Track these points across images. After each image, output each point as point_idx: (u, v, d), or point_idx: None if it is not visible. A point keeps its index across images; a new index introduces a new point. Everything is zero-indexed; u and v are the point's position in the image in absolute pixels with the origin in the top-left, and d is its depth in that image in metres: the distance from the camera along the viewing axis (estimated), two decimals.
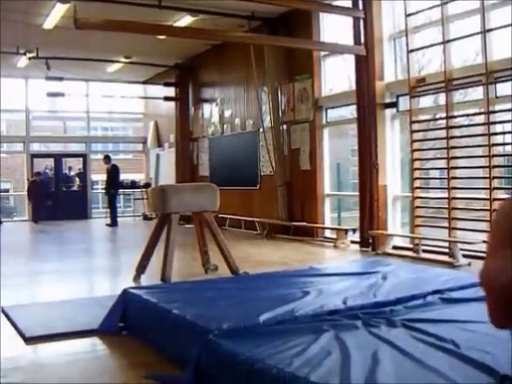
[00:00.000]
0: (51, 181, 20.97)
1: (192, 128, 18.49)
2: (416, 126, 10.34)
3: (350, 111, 12.24)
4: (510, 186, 9.38)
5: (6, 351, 4.77)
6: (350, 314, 4.53)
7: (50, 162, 21.60)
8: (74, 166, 22.61)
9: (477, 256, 9.19)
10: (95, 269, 9.92)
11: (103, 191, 19.22)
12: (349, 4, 11.19)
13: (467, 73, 9.39)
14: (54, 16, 11.98)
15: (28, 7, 11.52)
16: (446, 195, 9.75)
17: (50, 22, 12.45)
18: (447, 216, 9.69)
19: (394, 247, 10.65)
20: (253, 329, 4.12)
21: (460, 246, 9.19)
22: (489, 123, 8.94)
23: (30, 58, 15.73)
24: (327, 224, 12.84)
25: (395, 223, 11.10)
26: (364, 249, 10.87)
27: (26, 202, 20.78)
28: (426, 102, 10.58)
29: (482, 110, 9.22)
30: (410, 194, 10.46)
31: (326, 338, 3.88)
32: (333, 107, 12.82)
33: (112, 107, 22.97)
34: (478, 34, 9.14)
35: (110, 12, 10.96)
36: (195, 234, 8.47)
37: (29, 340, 5.09)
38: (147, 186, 20.51)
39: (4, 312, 5.99)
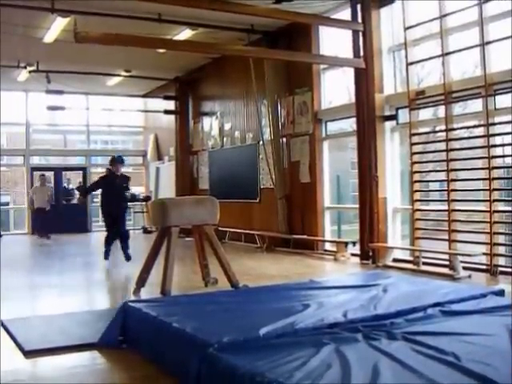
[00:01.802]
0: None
1: (192, 141, 18.51)
2: (416, 139, 10.36)
3: (350, 124, 12.26)
4: (509, 198, 9.37)
5: (6, 365, 4.74)
6: (350, 326, 4.52)
7: (48, 175, 21.54)
8: (73, 179, 22.59)
9: (477, 268, 9.20)
10: (95, 282, 9.90)
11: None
12: (348, 17, 11.24)
13: (466, 85, 9.42)
14: (55, 30, 12.02)
15: (28, 21, 11.56)
16: (446, 207, 9.75)
17: (50, 36, 12.49)
18: (447, 228, 9.69)
19: (395, 260, 10.64)
20: (253, 342, 4.11)
21: (460, 258, 9.18)
22: (488, 135, 8.95)
23: (30, 72, 15.77)
24: (327, 237, 12.83)
25: (395, 236, 11.10)
26: (364, 261, 10.86)
27: (25, 215, 20.72)
28: (425, 114, 10.60)
29: (482, 123, 9.24)
30: (410, 207, 10.46)
31: (327, 351, 3.87)
32: (332, 120, 12.84)
33: (112, 120, 22.98)
34: (476, 46, 9.18)
35: (109, 26, 11.01)
36: (195, 247, 8.46)
37: (28, 353, 5.07)
38: (147, 199, 20.40)
39: (3, 325, 5.97)
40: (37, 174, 20.46)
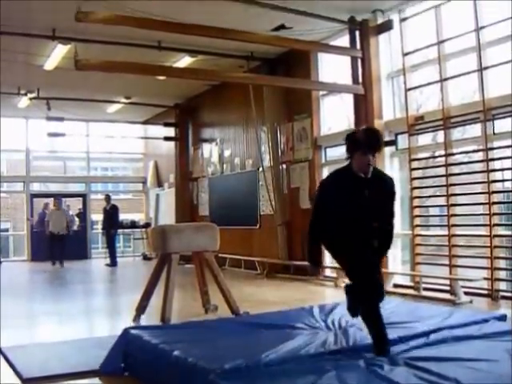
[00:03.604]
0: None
1: (192, 168, 18.54)
2: (415, 164, 10.37)
3: None
4: (510, 223, 9.36)
5: None
6: (352, 353, 4.49)
7: (48, 201, 21.53)
8: (73, 205, 22.59)
9: (478, 293, 9.16)
10: (94, 309, 9.86)
11: (102, 231, 19.22)
12: (346, 44, 11.30)
13: (465, 110, 9.45)
14: (55, 57, 12.09)
15: (29, 48, 11.64)
16: (446, 232, 9.73)
17: (50, 63, 12.56)
18: (448, 253, 9.66)
19: (395, 285, 10.59)
20: (254, 369, 4.08)
21: (461, 283, 9.14)
22: (487, 160, 8.97)
23: (30, 99, 15.84)
24: (328, 263, 12.75)
25: (396, 261, 11.05)
26: None
27: (25, 242, 20.68)
28: (424, 139, 10.63)
29: (481, 147, 9.25)
30: (410, 232, 10.44)
31: (328, 378, 3.84)
32: (332, 146, 12.86)
33: (112, 147, 23.07)
34: (475, 71, 9.23)
35: (110, 53, 11.08)
36: (195, 273, 8.43)
37: (27, 381, 5.02)
38: (147, 225, 20.50)
39: (2, 353, 5.92)
40: (37, 199, 20.46)
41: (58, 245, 17.45)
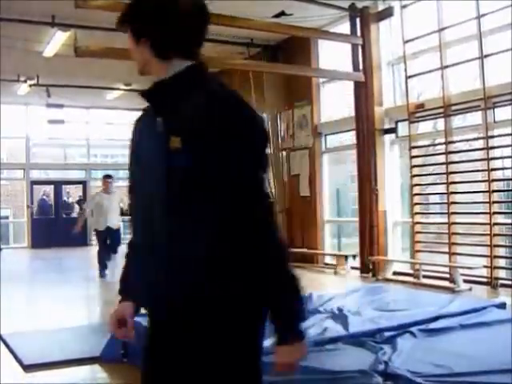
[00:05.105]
0: (50, 208, 20.94)
1: None
2: (415, 152, 10.36)
3: (350, 137, 12.26)
4: (509, 211, 9.37)
5: (5, 379, 4.71)
6: (352, 340, 4.50)
7: (47, 188, 21.51)
8: (73, 192, 22.58)
9: (477, 281, 9.18)
10: (95, 296, 9.87)
11: None
12: (347, 31, 11.27)
13: (465, 98, 9.44)
14: (55, 44, 12.04)
15: (29, 35, 11.59)
16: (446, 220, 9.74)
17: (50, 50, 12.51)
18: (447, 241, 9.67)
19: (395, 273, 10.61)
20: None
21: (461, 271, 9.16)
22: (488, 148, 8.96)
23: (30, 86, 15.79)
24: (327, 250, 12.80)
25: (395, 249, 11.07)
26: (364, 275, 10.83)
27: (25, 228, 20.68)
28: (425, 127, 10.62)
29: (481, 135, 9.25)
30: (410, 220, 10.45)
31: (327, 365, 3.85)
32: (332, 133, 12.85)
33: (112, 134, 22.97)
34: (475, 59, 9.20)
35: (109, 40, 11.02)
36: None
37: (27, 368, 5.04)
38: None
39: (3, 339, 5.94)
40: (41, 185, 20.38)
41: (106, 245, 11.53)
